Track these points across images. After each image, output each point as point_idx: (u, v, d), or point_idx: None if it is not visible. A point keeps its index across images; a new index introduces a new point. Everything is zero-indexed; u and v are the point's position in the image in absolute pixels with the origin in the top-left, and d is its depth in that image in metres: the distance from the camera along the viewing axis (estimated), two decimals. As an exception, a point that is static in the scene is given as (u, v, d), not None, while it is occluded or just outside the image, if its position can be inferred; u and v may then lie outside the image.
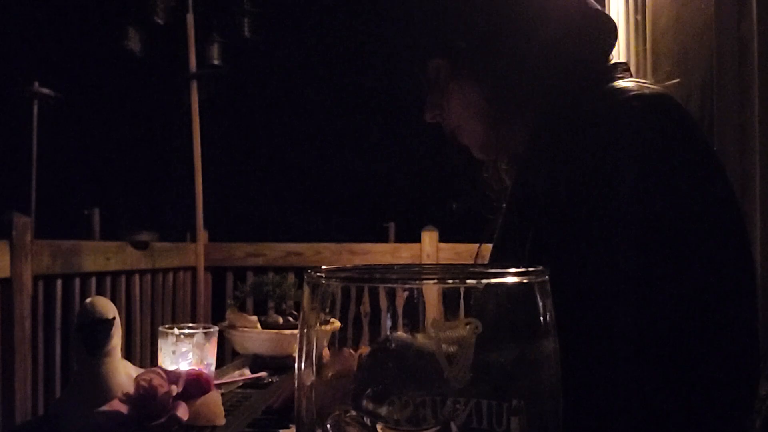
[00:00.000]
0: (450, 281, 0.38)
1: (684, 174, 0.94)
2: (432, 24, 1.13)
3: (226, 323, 1.73)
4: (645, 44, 1.93)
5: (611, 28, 1.11)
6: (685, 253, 0.91)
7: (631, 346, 0.90)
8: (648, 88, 1.00)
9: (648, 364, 0.90)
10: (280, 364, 1.62)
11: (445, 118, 1.15)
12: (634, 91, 0.98)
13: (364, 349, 0.37)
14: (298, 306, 1.78)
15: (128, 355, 3.30)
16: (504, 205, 1.16)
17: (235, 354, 1.92)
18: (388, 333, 0.37)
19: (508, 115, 1.08)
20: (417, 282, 0.38)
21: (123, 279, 3.45)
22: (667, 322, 0.90)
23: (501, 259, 1.11)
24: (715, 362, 0.91)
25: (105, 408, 1.05)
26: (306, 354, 0.39)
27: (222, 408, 1.15)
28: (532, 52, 1.04)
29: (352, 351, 0.38)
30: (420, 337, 0.37)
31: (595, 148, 0.94)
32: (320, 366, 0.39)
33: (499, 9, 1.07)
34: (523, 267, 0.39)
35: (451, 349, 0.36)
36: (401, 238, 4.25)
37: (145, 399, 1.07)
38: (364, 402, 0.37)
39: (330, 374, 0.38)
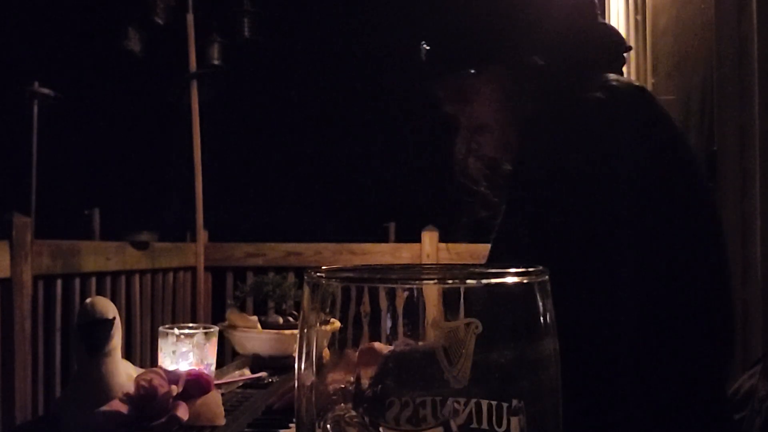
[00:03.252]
0: (450, 281, 0.38)
1: (649, 168, 0.99)
2: (500, 33, 1.13)
3: (226, 323, 1.73)
4: (645, 44, 1.93)
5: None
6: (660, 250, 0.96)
7: (624, 343, 0.92)
8: (620, 83, 1.06)
9: (640, 361, 0.93)
10: (280, 364, 1.61)
11: (470, 115, 1.17)
12: (608, 86, 1.04)
13: (365, 347, 0.37)
14: (298, 306, 1.77)
15: (128, 355, 3.30)
16: (503, 206, 1.18)
17: (235, 354, 1.92)
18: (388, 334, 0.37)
19: (544, 117, 1.10)
20: (417, 282, 0.38)
21: (123, 279, 3.45)
22: (655, 319, 0.93)
23: (500, 258, 1.14)
24: (695, 350, 0.96)
25: (105, 408, 1.05)
26: (306, 354, 0.39)
27: (222, 408, 1.15)
28: (571, 62, 1.09)
29: (352, 351, 0.38)
30: (420, 338, 0.37)
31: (579, 144, 0.99)
32: (320, 366, 0.39)
33: (547, 22, 1.11)
34: (523, 267, 0.39)
35: (451, 349, 0.36)
36: (401, 238, 4.24)
37: (145, 399, 1.07)
38: (365, 402, 0.37)
39: (330, 374, 0.38)
